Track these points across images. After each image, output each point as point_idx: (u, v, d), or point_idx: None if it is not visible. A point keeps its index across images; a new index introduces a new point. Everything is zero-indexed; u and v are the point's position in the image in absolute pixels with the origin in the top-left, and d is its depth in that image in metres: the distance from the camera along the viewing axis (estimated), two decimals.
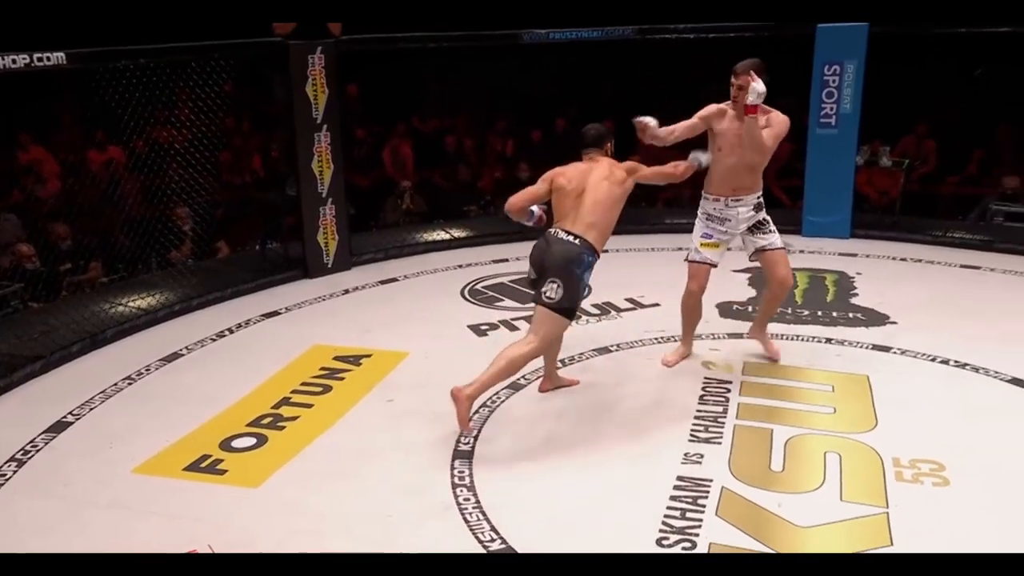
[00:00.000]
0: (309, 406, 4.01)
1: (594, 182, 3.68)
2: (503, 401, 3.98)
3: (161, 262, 5.83)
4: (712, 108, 4.10)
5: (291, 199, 5.90)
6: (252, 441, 3.68)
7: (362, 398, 4.09)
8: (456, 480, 3.33)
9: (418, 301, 5.48)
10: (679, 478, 3.28)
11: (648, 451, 3.52)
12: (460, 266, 6.16)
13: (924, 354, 4.34)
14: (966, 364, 4.21)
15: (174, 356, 4.64)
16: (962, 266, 5.82)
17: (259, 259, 6.08)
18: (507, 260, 6.22)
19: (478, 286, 5.70)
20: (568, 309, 3.63)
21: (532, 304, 3.76)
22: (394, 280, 5.90)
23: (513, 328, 4.89)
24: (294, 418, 3.89)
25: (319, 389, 4.18)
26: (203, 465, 3.50)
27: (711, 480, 3.26)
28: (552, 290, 3.58)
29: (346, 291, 5.68)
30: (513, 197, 3.78)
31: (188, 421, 3.84)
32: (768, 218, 4.18)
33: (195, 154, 5.52)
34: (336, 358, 4.53)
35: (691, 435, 3.61)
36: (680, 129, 4.02)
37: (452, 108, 9.07)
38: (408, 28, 6.27)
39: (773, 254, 4.15)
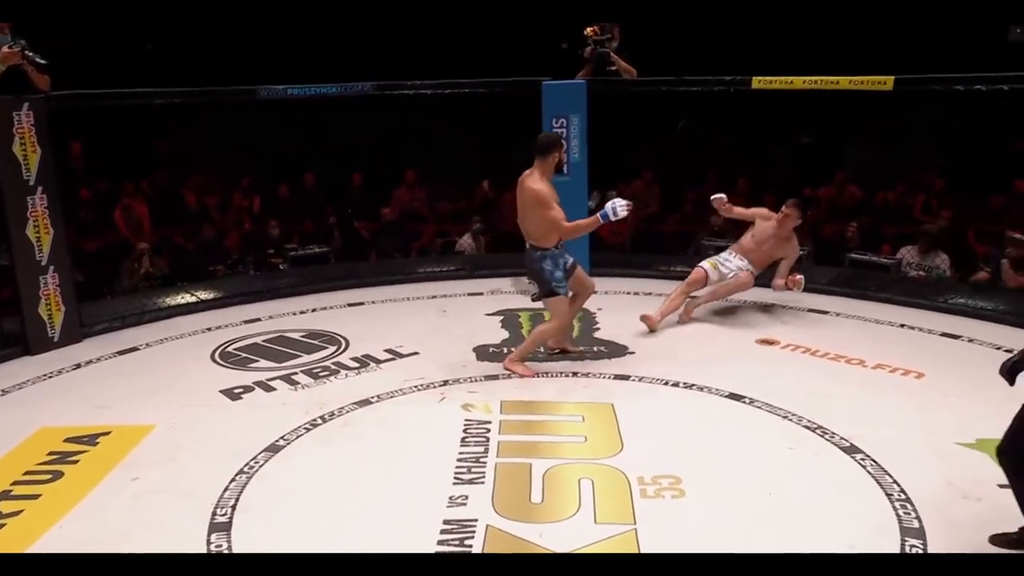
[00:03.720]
0: (35, 497, 3.60)
1: (519, 208, 4.79)
2: (261, 466, 3.82)
3: None
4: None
5: (2, 269, 5.31)
6: None
7: (101, 480, 3.73)
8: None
9: (163, 369, 5.12)
10: (445, 521, 3.33)
11: (413, 497, 3.54)
12: (209, 329, 5.84)
13: (658, 379, 4.77)
14: (692, 385, 4.68)
15: None
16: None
17: None
18: (260, 319, 6.01)
19: (230, 348, 5.44)
20: (548, 292, 4.80)
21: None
22: (135, 349, 5.47)
23: (270, 389, 4.72)
24: (16, 513, 3.47)
25: (47, 476, 3.76)
26: None
27: (476, 520, 3.34)
28: (533, 289, 4.96)
29: (77, 365, 5.18)
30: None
31: None
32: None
33: None
34: (68, 439, 4.11)
35: (455, 478, 3.68)
36: (739, 212, 5.93)
37: (191, 164, 8.67)
38: (138, 83, 5.95)
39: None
